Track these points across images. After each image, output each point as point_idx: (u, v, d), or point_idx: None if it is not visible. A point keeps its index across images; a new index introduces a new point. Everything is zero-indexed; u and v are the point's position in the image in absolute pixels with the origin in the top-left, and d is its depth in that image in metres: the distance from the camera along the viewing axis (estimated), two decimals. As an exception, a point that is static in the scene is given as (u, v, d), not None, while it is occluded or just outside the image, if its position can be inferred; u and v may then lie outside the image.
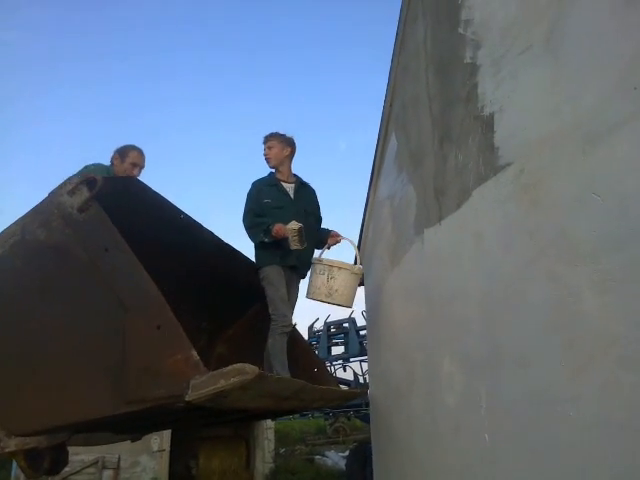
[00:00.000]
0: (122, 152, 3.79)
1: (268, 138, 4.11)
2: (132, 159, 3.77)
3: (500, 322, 2.27)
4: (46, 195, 2.55)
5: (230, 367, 1.96)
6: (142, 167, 3.86)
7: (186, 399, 1.94)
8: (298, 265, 3.97)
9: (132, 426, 3.00)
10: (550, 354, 1.91)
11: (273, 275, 3.79)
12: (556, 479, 1.84)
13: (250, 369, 1.94)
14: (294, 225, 3.73)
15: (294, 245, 3.71)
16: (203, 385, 1.93)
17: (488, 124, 2.41)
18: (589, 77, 1.82)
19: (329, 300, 3.86)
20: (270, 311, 3.68)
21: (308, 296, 3.96)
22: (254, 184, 4.07)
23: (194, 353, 1.99)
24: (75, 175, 2.50)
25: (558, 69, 1.98)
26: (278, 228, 3.78)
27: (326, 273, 3.91)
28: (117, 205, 2.48)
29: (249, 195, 4.03)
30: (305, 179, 4.26)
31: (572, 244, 1.85)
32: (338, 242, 4.15)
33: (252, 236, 3.89)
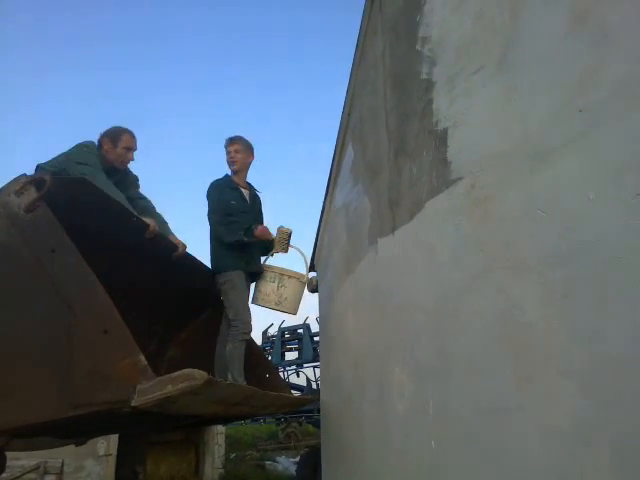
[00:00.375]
0: (113, 136, 3.57)
1: (235, 141, 4.07)
2: (125, 143, 3.58)
3: (449, 332, 2.32)
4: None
5: (179, 372, 1.93)
6: (135, 150, 3.68)
7: (132, 404, 1.91)
8: (259, 272, 3.97)
9: (77, 430, 2.92)
10: (496, 364, 1.97)
11: (237, 280, 3.75)
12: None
13: (199, 375, 1.92)
14: (286, 229, 3.74)
15: (279, 248, 3.72)
16: (150, 390, 1.90)
17: (442, 139, 2.46)
18: (538, 98, 1.89)
19: (278, 308, 3.88)
20: (231, 316, 3.63)
21: (255, 302, 3.94)
22: (216, 184, 4.01)
23: (142, 358, 1.96)
24: (22, 175, 2.43)
25: (509, 89, 2.05)
26: (263, 229, 3.82)
27: (276, 281, 3.92)
28: (66, 206, 2.42)
29: (214, 194, 3.95)
30: (263, 188, 4.28)
31: (519, 258, 1.91)
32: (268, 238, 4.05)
33: (226, 234, 3.80)
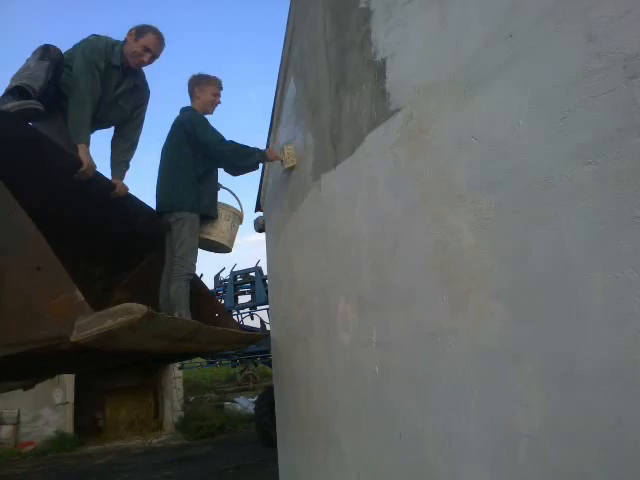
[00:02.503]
0: (140, 30, 3.42)
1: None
2: (147, 41, 3.42)
3: (389, 263, 2.37)
4: None
5: (118, 306, 1.92)
6: (155, 56, 3.51)
7: (71, 340, 1.89)
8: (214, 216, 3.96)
9: (19, 371, 2.89)
10: (432, 291, 2.04)
11: (193, 222, 3.69)
12: (438, 403, 1.98)
13: (138, 308, 1.91)
14: (289, 146, 3.83)
15: (291, 163, 3.80)
16: (89, 325, 1.88)
17: (380, 70, 2.44)
18: (471, 25, 1.89)
19: (229, 245, 3.90)
20: (178, 255, 3.58)
21: (208, 237, 3.91)
22: (201, 116, 3.95)
23: (78, 294, 1.93)
24: None
25: (443, 17, 2.04)
26: (272, 150, 3.98)
27: (230, 220, 3.92)
28: (1, 145, 2.31)
29: (205, 122, 3.89)
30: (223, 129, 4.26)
31: (453, 186, 1.95)
32: None
33: (243, 158, 3.79)
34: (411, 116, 2.22)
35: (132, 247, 4.00)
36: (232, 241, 3.97)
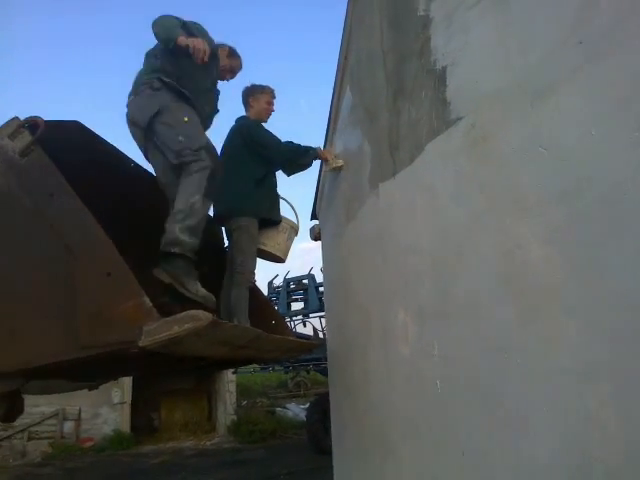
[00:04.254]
0: (233, 52, 3.69)
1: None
2: (236, 65, 3.71)
3: (451, 273, 2.33)
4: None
5: (184, 313, 1.97)
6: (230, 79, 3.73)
7: (140, 345, 1.95)
8: (274, 221, 4.03)
9: (87, 373, 3.00)
10: (499, 304, 1.98)
11: (253, 228, 3.76)
12: (503, 424, 1.92)
13: (204, 315, 1.96)
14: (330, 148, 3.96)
15: (335, 164, 3.91)
16: (156, 331, 1.94)
17: (440, 78, 2.42)
18: (537, 31, 1.84)
19: (281, 258, 3.96)
20: (238, 262, 3.64)
21: (265, 248, 3.97)
22: (257, 122, 4.09)
23: (147, 300, 1.99)
24: (15, 118, 2.41)
25: (507, 23, 1.99)
26: (320, 149, 4.05)
27: (287, 232, 3.97)
28: (62, 149, 2.41)
29: (262, 126, 4.06)
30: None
31: (520, 197, 1.89)
32: None
33: (301, 156, 3.94)
34: (474, 125, 2.19)
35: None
36: (287, 253, 4.03)
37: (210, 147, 3.01)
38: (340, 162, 3.91)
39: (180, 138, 2.82)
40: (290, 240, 4.03)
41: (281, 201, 4.13)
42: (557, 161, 1.73)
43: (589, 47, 1.61)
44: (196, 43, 2.92)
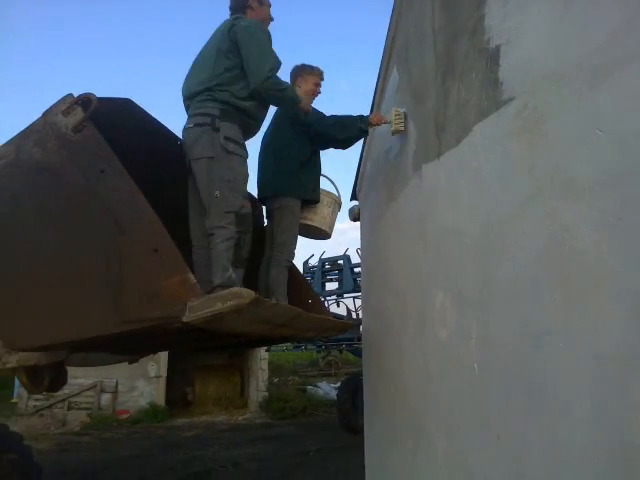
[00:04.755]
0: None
1: None
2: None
3: (495, 257, 2.29)
4: (40, 115, 2.52)
5: (227, 290, 2.00)
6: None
7: (183, 320, 1.99)
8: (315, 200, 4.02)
9: (129, 347, 3.07)
10: (542, 289, 1.93)
11: (297, 209, 3.78)
12: (542, 408, 1.89)
13: (247, 293, 1.98)
14: (398, 109, 3.62)
15: (398, 127, 3.57)
16: (200, 307, 1.97)
17: (493, 58, 2.34)
18: (599, 11, 1.76)
19: (327, 232, 3.94)
20: (279, 242, 3.66)
21: (311, 222, 3.97)
22: None
23: (191, 276, 2.02)
24: (69, 95, 2.44)
25: (568, 2, 1.92)
26: (377, 114, 3.88)
27: (332, 207, 3.96)
28: (113, 127, 2.45)
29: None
30: None
31: (570, 181, 1.84)
32: None
33: (347, 129, 3.83)
34: (526, 106, 2.12)
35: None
36: (332, 227, 4.03)
37: (243, 214, 3.05)
38: (402, 126, 3.60)
39: (216, 193, 2.86)
40: (335, 214, 4.03)
41: (322, 178, 4.11)
42: (613, 144, 1.66)
43: (656, 27, 1.53)
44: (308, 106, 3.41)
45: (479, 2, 2.51)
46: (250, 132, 3.31)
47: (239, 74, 3.07)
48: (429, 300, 2.95)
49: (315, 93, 4.07)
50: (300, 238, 4.08)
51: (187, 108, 3.11)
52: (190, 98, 3.07)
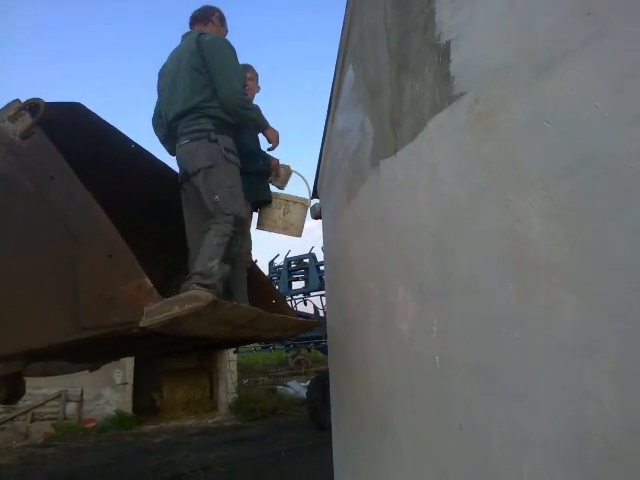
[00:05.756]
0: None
1: (248, 68, 4.10)
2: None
3: (453, 251, 2.31)
4: (-14, 123, 2.43)
5: (185, 293, 1.98)
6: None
7: (141, 325, 1.95)
8: (266, 200, 4.04)
9: (89, 354, 3.01)
10: (498, 280, 1.97)
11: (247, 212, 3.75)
12: (503, 395, 1.92)
13: (205, 296, 1.96)
14: (288, 167, 3.99)
15: (281, 182, 3.91)
16: (157, 311, 1.94)
17: (444, 53, 2.37)
18: (545, 3, 1.80)
19: (285, 232, 3.94)
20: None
21: (262, 228, 4.02)
22: None
23: (147, 281, 1.98)
24: (16, 101, 2.37)
25: (513, -6, 1.95)
26: (275, 164, 4.00)
27: (282, 207, 3.95)
28: (63, 132, 2.38)
29: None
30: (270, 118, 4.18)
31: (523, 172, 1.87)
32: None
33: (258, 115, 3.51)
34: (477, 100, 2.15)
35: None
36: (289, 227, 4.00)
37: (242, 218, 3.14)
38: (285, 183, 3.97)
39: (216, 198, 2.96)
40: (290, 213, 3.99)
41: (293, 174, 4.12)
42: (561, 135, 1.70)
43: (598, 18, 1.57)
44: (276, 138, 3.49)
45: (429, -2, 2.53)
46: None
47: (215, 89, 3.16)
48: (391, 295, 2.97)
49: (252, 88, 4.04)
50: (267, 237, 4.11)
51: (173, 129, 3.20)
52: (177, 118, 3.14)
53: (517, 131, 1.91)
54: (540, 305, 1.76)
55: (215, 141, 3.04)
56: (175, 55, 3.35)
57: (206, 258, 2.81)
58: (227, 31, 3.66)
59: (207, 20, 3.51)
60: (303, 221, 4.13)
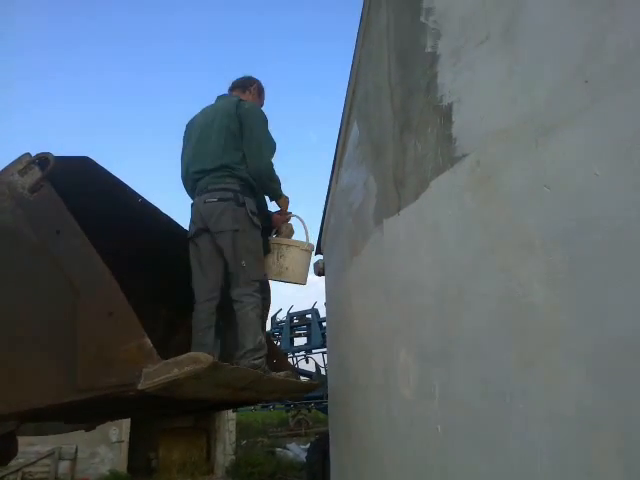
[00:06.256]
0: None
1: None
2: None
3: (454, 313, 2.29)
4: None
5: (184, 355, 1.93)
6: None
7: (139, 388, 1.90)
8: None
9: (84, 415, 2.93)
10: (501, 346, 1.94)
11: None
12: (505, 470, 1.87)
13: (205, 358, 1.91)
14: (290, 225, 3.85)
15: (285, 235, 3.80)
16: (156, 374, 1.89)
17: (446, 115, 2.42)
18: (544, 69, 1.85)
19: (280, 278, 3.79)
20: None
21: None
22: None
23: (147, 341, 1.95)
24: (26, 154, 2.41)
25: (514, 61, 2.01)
26: (278, 219, 3.85)
27: (275, 252, 3.84)
28: (71, 186, 2.41)
29: None
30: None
31: (524, 236, 1.87)
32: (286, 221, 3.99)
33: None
34: (478, 162, 2.18)
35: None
36: (285, 272, 3.83)
37: (265, 282, 3.33)
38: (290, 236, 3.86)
39: (243, 263, 3.07)
40: (284, 257, 3.85)
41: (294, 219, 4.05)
42: (561, 201, 1.71)
43: (595, 86, 1.61)
44: (286, 206, 3.66)
45: (432, 60, 2.61)
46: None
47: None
48: (393, 356, 2.92)
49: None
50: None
51: (196, 181, 3.30)
52: (205, 173, 3.25)
53: (517, 195, 1.93)
54: (541, 374, 1.73)
55: (243, 204, 3.13)
56: (210, 112, 3.49)
57: (252, 334, 2.94)
58: (263, 103, 3.85)
59: (245, 88, 3.71)
60: (303, 266, 3.89)
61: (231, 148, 3.25)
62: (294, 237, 3.95)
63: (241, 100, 3.49)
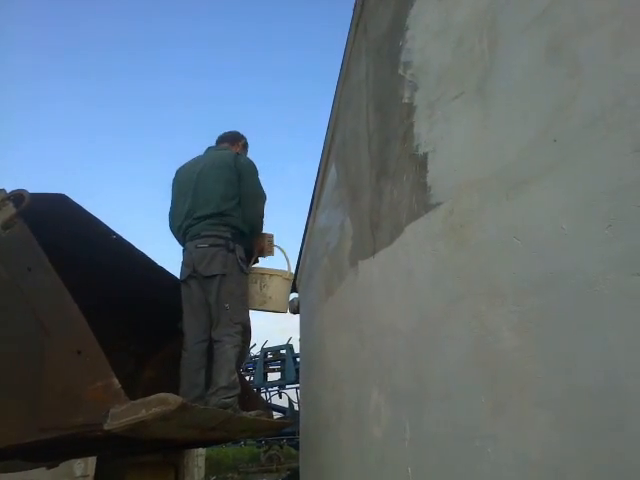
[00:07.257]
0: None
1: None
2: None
3: (426, 357, 2.32)
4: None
5: (153, 397, 1.91)
6: None
7: (105, 428, 1.87)
8: None
9: (49, 453, 2.86)
10: (471, 391, 1.97)
11: None
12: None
13: (173, 399, 1.89)
14: (269, 234, 3.86)
15: (269, 251, 3.84)
16: (123, 414, 1.87)
17: (422, 163, 2.49)
18: (514, 126, 1.92)
19: (264, 308, 3.79)
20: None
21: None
22: None
23: (115, 381, 1.93)
24: (1, 190, 2.40)
25: (487, 116, 2.08)
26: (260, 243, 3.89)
27: (258, 282, 3.85)
28: (44, 223, 2.40)
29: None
30: None
31: (494, 285, 1.92)
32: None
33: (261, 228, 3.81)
34: (452, 211, 2.23)
35: (168, 322, 3.99)
36: (268, 302, 3.82)
37: (248, 326, 3.41)
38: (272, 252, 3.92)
39: (226, 305, 3.19)
40: (267, 287, 3.86)
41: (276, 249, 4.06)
42: (530, 253, 1.76)
43: (563, 145, 1.68)
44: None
45: (409, 110, 2.68)
46: None
47: (239, 202, 3.50)
48: (364, 396, 2.92)
49: None
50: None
51: (188, 226, 3.43)
52: (200, 219, 3.40)
53: (489, 244, 1.99)
54: (511, 420, 1.75)
55: (233, 251, 3.30)
56: (205, 161, 3.66)
57: (227, 372, 3.01)
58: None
59: (234, 143, 3.94)
60: (284, 294, 3.95)
61: (230, 196, 3.45)
62: (275, 266, 3.98)
63: (238, 154, 3.75)
